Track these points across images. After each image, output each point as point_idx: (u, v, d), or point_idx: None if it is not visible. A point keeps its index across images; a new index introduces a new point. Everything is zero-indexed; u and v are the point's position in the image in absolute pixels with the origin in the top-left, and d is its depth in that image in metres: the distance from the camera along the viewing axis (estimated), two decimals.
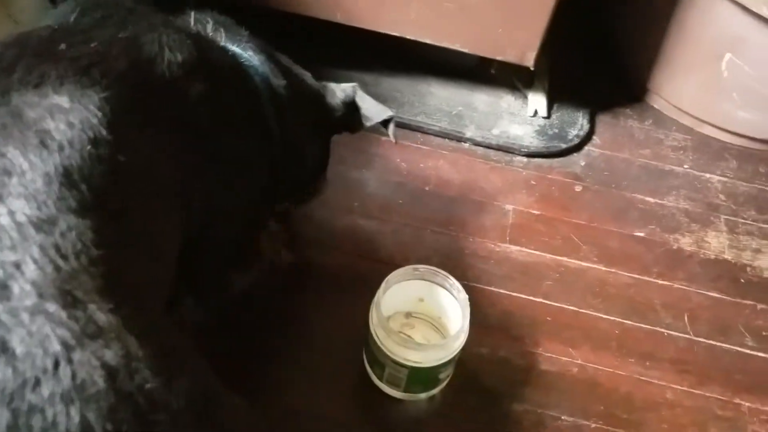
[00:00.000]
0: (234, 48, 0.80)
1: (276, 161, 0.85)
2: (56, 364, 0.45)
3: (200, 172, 0.70)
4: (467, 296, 0.93)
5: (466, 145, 1.31)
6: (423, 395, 0.97)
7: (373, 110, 0.97)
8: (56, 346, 0.46)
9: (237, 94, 0.78)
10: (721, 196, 1.31)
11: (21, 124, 0.54)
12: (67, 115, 0.55)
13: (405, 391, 0.95)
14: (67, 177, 0.53)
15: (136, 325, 0.50)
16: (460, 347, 0.91)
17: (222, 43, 0.80)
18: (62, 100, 0.55)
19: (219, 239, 0.80)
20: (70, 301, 0.48)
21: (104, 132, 0.56)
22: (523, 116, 1.36)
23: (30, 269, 0.48)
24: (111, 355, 0.47)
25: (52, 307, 0.47)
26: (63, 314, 0.47)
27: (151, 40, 0.66)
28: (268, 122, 0.82)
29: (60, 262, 0.49)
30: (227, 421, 0.57)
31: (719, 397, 1.03)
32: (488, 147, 1.31)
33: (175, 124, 0.66)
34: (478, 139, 1.30)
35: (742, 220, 1.28)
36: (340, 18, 1.23)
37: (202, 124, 0.70)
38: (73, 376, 0.45)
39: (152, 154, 0.62)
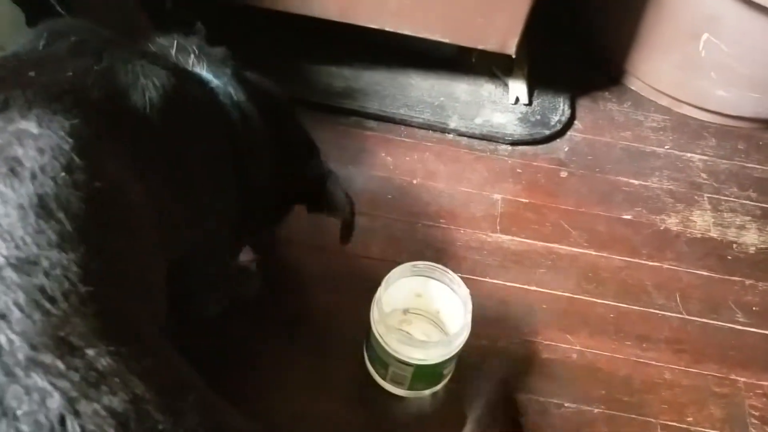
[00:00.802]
0: (216, 82, 0.76)
1: (247, 193, 0.81)
2: (62, 421, 0.42)
3: (174, 202, 0.66)
4: (468, 291, 0.92)
5: (450, 135, 1.30)
6: (427, 392, 0.96)
7: (338, 201, 0.92)
8: (59, 401, 0.43)
9: (212, 130, 0.74)
10: (703, 175, 1.33)
11: None
12: (36, 141, 0.50)
13: (409, 388, 0.95)
14: (43, 207, 0.48)
15: (138, 364, 0.48)
16: (463, 342, 0.91)
17: (203, 76, 0.75)
18: (30, 125, 0.51)
19: (194, 267, 0.75)
20: (66, 349, 0.44)
21: (77, 158, 0.51)
22: (505, 104, 1.35)
23: (16, 318, 0.44)
24: (118, 402, 0.44)
25: (47, 358, 0.43)
26: (60, 365, 0.44)
27: (127, 71, 0.62)
28: (243, 159, 0.78)
29: (48, 305, 0.45)
30: None
31: (715, 374, 1.05)
32: (472, 137, 1.30)
33: (148, 154, 0.62)
34: (462, 129, 1.30)
35: (725, 198, 1.30)
36: (317, 12, 1.20)
37: (175, 155, 0.66)
38: (83, 431, 0.43)
39: (127, 183, 0.58)
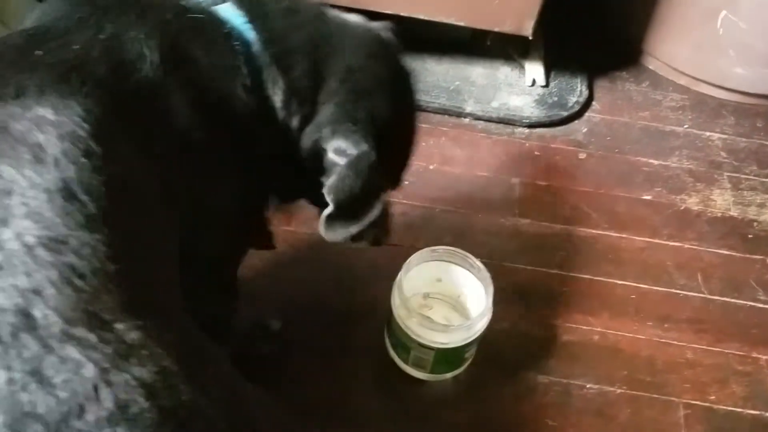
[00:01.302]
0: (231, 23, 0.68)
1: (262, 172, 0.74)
2: (96, 389, 0.44)
3: (183, 181, 0.65)
4: (489, 274, 0.93)
5: (467, 120, 1.30)
6: (449, 375, 0.97)
7: (336, 184, 0.71)
8: (92, 371, 0.45)
9: (218, 93, 0.67)
10: (723, 154, 1.32)
11: (10, 138, 0.51)
12: (55, 128, 0.52)
13: (431, 372, 0.96)
14: (68, 191, 0.50)
15: (163, 337, 0.49)
16: (485, 326, 0.92)
17: (218, 18, 0.68)
18: (46, 112, 0.53)
19: (203, 257, 0.71)
20: (97, 323, 0.47)
21: (93, 144, 0.53)
22: (522, 86, 1.35)
23: (50, 294, 0.46)
24: (146, 373, 0.46)
25: (80, 332, 0.46)
26: (92, 338, 0.46)
27: (131, 39, 0.61)
28: (252, 128, 0.70)
29: (79, 282, 0.47)
30: (258, 419, 0.57)
31: (737, 352, 1.05)
32: (489, 120, 1.30)
33: (156, 130, 0.62)
34: (479, 113, 1.29)
35: (745, 176, 1.29)
36: None
37: (183, 128, 0.64)
38: (115, 399, 0.45)
39: (138, 164, 0.59)
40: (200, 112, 0.64)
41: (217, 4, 0.70)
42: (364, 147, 0.70)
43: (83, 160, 0.52)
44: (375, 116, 0.73)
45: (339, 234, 0.74)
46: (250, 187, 0.73)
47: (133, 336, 0.47)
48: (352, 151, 0.70)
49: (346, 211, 0.72)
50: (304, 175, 0.74)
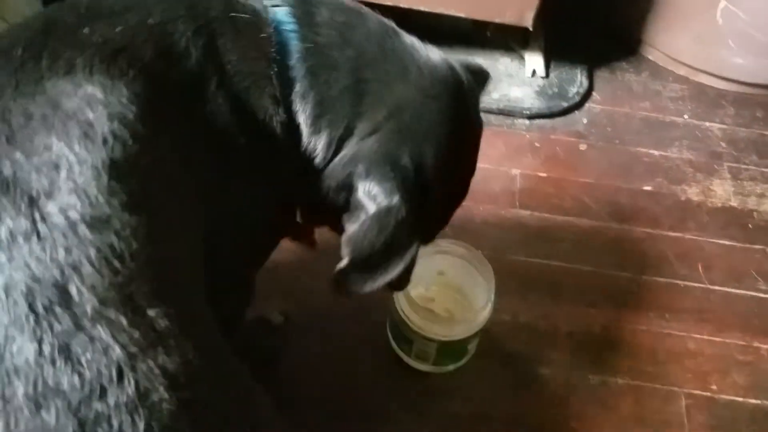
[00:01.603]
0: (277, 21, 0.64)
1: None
2: (120, 373, 0.45)
3: (213, 179, 0.63)
4: (491, 267, 0.93)
5: None
6: (451, 367, 0.97)
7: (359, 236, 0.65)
8: (119, 354, 0.45)
9: (249, 100, 0.64)
10: (723, 144, 1.32)
11: (61, 114, 0.51)
12: (105, 108, 0.52)
13: (434, 364, 0.96)
14: (116, 170, 0.50)
15: (190, 329, 0.50)
16: (487, 318, 0.92)
17: (263, 21, 0.64)
18: (96, 90, 0.53)
19: (225, 256, 0.68)
20: (129, 306, 0.47)
21: (140, 127, 0.53)
22: (522, 77, 1.35)
23: (87, 272, 0.46)
24: (171, 363, 0.47)
25: (112, 313, 0.46)
26: (124, 321, 0.46)
27: (179, 31, 0.60)
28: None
29: (117, 264, 0.47)
30: (262, 419, 0.57)
31: (738, 342, 1.05)
32: (489, 112, 1.29)
33: (193, 126, 0.61)
34: None
35: (745, 166, 1.29)
36: None
37: (218, 128, 0.62)
38: (137, 385, 0.45)
39: (176, 155, 0.59)
40: (235, 115, 0.62)
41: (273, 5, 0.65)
42: (396, 200, 0.62)
43: (131, 142, 0.52)
44: (420, 165, 0.65)
45: (351, 290, 0.67)
46: (275, 196, 0.69)
47: (163, 324, 0.48)
48: (382, 200, 0.63)
49: (362, 268, 0.66)
50: (324, 204, 0.68)
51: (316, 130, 0.65)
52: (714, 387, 1.00)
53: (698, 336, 1.05)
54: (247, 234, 0.69)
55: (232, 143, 0.62)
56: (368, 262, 0.65)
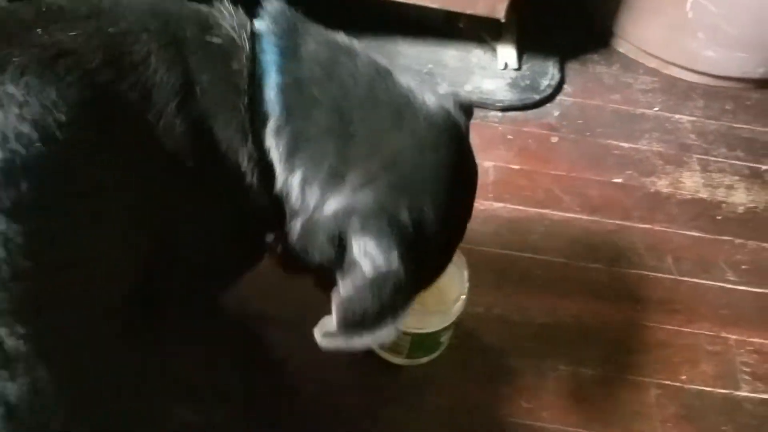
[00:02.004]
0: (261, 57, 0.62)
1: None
2: None
3: (163, 204, 0.60)
4: (464, 258, 0.93)
5: None
6: (425, 359, 0.97)
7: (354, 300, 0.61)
8: None
9: (214, 130, 0.60)
10: (692, 136, 1.33)
11: None
12: (20, 108, 0.49)
13: (407, 357, 0.95)
14: (5, 172, 0.47)
15: (56, 352, 0.47)
16: (461, 310, 0.92)
17: (240, 48, 0.61)
18: (16, 91, 0.50)
19: (182, 277, 0.66)
20: None
21: (57, 132, 0.50)
22: (494, 70, 1.34)
23: None
24: (14, 390, 0.44)
25: None
26: None
27: (141, 42, 0.57)
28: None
29: None
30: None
31: (707, 332, 1.06)
32: None
33: (142, 144, 0.57)
34: None
35: (714, 158, 1.31)
36: None
37: (171, 151, 0.58)
38: None
39: (112, 172, 0.55)
40: (190, 139, 0.58)
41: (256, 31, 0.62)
42: (395, 264, 0.59)
43: (38, 145, 0.49)
44: (420, 220, 0.61)
45: (338, 344, 0.63)
46: (236, 228, 0.65)
47: (14, 345, 0.44)
48: (380, 262, 0.59)
49: (351, 331, 0.62)
50: (311, 256, 0.64)
51: (289, 167, 0.61)
52: (683, 377, 1.01)
53: (668, 327, 1.06)
54: (202, 257, 0.65)
55: (180, 165, 0.58)
56: (358, 325, 0.61)
